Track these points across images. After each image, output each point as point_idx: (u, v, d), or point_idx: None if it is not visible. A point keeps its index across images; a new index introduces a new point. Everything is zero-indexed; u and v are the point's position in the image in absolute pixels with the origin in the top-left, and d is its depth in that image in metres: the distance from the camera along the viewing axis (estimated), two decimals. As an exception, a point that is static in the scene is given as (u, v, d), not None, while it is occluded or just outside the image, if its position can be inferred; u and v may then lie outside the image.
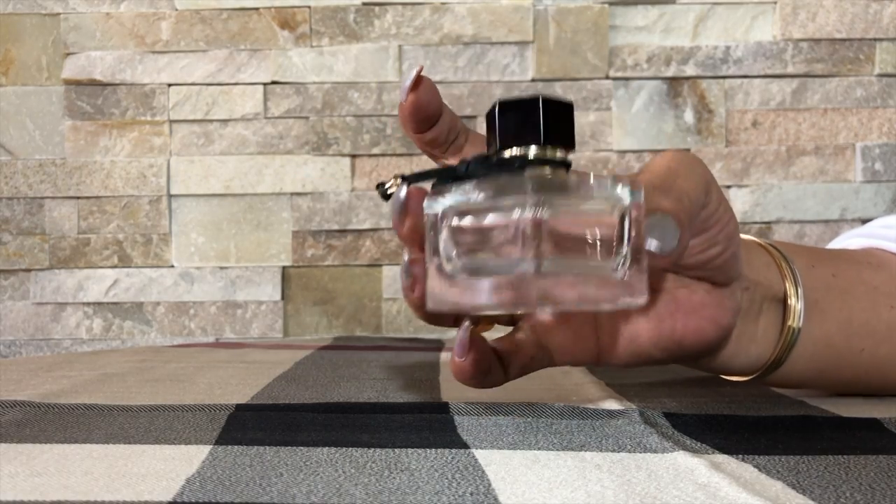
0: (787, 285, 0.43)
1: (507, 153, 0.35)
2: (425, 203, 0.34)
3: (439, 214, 0.33)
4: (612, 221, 0.33)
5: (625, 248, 0.33)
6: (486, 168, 0.35)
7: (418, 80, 0.40)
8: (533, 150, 0.34)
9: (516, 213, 0.31)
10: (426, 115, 0.41)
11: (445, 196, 0.34)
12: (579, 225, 0.32)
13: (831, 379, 0.47)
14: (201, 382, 0.55)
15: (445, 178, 0.35)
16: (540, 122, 0.34)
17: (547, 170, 0.34)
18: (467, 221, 0.33)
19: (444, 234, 0.33)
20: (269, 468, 0.31)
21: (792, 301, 0.43)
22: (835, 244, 0.56)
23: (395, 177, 0.37)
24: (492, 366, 0.39)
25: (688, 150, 0.36)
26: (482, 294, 0.32)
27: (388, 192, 0.37)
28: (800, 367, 0.44)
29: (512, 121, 0.35)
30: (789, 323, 0.43)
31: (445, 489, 0.29)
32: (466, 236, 0.33)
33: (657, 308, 0.40)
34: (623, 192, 0.33)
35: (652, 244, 0.34)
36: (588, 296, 0.32)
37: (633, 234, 0.33)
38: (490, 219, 0.32)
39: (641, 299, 0.33)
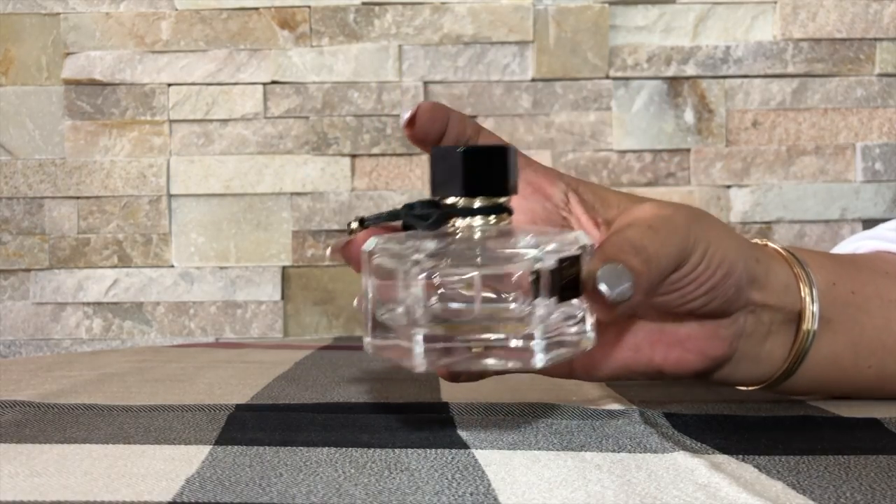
0: (804, 309, 0.42)
1: (441, 202, 0.35)
2: (365, 244, 0.35)
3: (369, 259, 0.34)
4: (517, 281, 0.32)
5: (534, 308, 0.32)
6: (412, 218, 0.35)
7: (412, 119, 0.41)
8: (460, 202, 0.34)
9: (409, 278, 0.31)
10: (428, 140, 0.42)
11: (378, 243, 0.34)
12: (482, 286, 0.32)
13: (833, 391, 0.46)
14: (201, 382, 0.55)
15: (392, 220, 0.36)
16: (461, 174, 0.33)
17: (496, 218, 0.34)
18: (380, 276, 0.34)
19: (369, 282, 0.34)
20: (268, 468, 0.31)
21: (806, 325, 0.42)
22: (844, 247, 0.55)
23: (356, 219, 0.38)
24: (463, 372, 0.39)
25: (687, 205, 0.36)
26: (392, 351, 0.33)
27: (350, 232, 0.38)
28: (802, 382, 0.44)
29: (439, 169, 0.35)
30: (799, 345, 0.42)
31: (445, 489, 0.29)
32: (381, 289, 0.34)
33: (636, 336, 0.40)
34: (545, 251, 0.32)
35: (602, 287, 0.33)
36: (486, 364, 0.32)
37: (549, 289, 0.32)
38: (391, 276, 0.33)
39: (536, 363, 0.32)
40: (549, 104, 1.14)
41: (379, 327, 0.34)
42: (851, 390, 0.46)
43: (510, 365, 0.32)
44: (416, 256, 0.31)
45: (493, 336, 0.32)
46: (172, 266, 1.14)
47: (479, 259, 0.32)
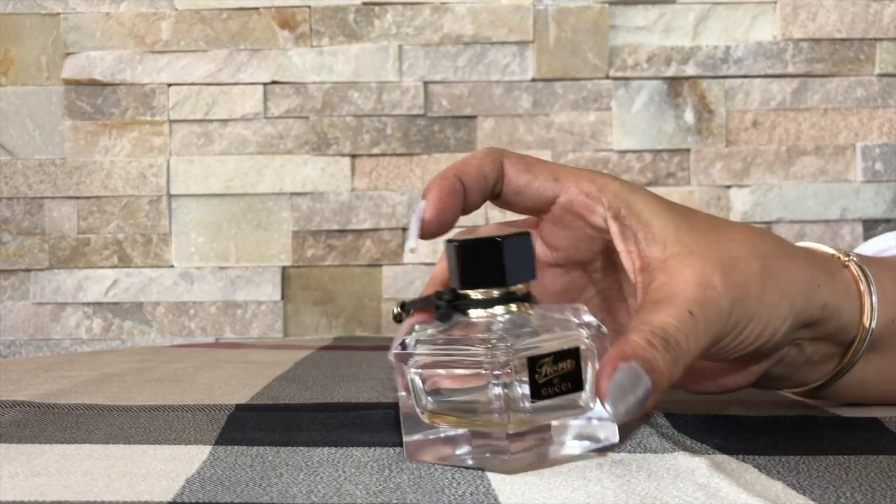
0: (854, 347, 0.40)
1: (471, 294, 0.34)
2: (408, 339, 0.34)
3: (408, 351, 0.34)
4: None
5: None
6: (445, 311, 0.34)
7: (424, 230, 0.37)
8: (494, 293, 0.34)
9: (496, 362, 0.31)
10: (445, 231, 0.38)
11: (414, 333, 0.34)
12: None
13: (845, 400, 0.46)
14: (201, 382, 0.55)
15: (429, 305, 0.35)
16: (502, 263, 0.33)
17: (504, 308, 0.34)
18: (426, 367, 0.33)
19: (411, 373, 0.34)
20: (269, 468, 0.31)
21: (848, 359, 0.41)
22: (870, 246, 0.54)
23: (397, 303, 0.36)
24: None
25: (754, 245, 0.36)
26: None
27: (398, 319, 0.36)
28: (834, 394, 0.44)
29: (465, 262, 0.34)
30: (834, 376, 0.42)
31: (445, 488, 0.29)
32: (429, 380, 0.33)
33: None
34: (580, 334, 0.32)
35: (608, 407, 0.31)
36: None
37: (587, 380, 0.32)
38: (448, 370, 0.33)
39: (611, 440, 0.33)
40: (549, 104, 1.14)
41: (421, 423, 0.33)
42: (863, 402, 0.46)
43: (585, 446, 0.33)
44: (492, 340, 0.31)
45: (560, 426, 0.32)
46: (172, 266, 1.15)
47: (545, 342, 0.32)
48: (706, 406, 0.45)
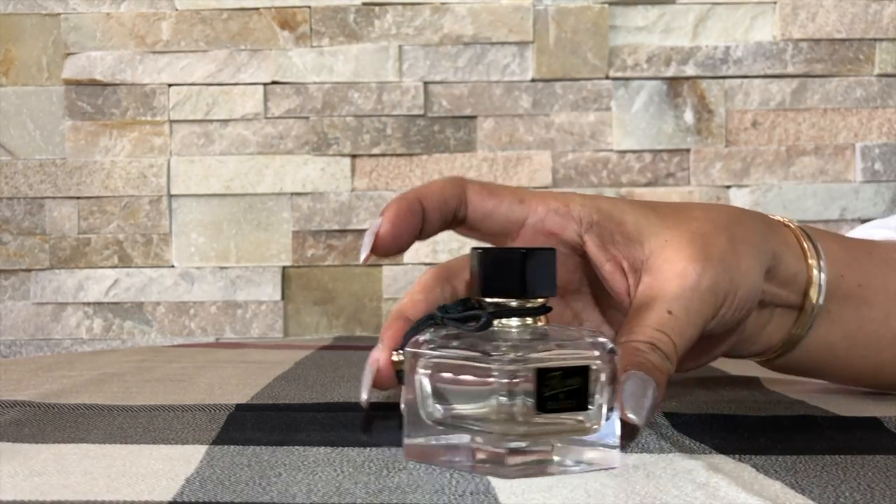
0: (807, 302, 0.41)
1: (482, 302, 0.34)
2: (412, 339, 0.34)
3: (415, 358, 0.34)
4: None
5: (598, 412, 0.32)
6: (452, 321, 0.34)
7: (375, 248, 0.38)
8: (511, 302, 0.34)
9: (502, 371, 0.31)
10: (400, 250, 0.39)
11: (424, 340, 0.34)
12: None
13: (825, 376, 0.47)
14: (201, 382, 0.55)
15: (430, 326, 0.35)
16: (522, 275, 0.33)
17: (520, 321, 0.33)
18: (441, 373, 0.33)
19: (419, 379, 0.33)
20: (266, 468, 0.31)
21: (805, 317, 0.42)
22: (859, 233, 0.55)
23: (394, 351, 0.36)
24: None
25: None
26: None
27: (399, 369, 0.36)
28: (794, 363, 0.44)
29: (491, 271, 0.34)
30: (794, 333, 0.42)
31: (445, 488, 0.29)
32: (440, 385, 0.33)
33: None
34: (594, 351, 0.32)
35: (632, 417, 0.32)
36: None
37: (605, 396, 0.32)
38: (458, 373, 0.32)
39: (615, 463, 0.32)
40: (549, 104, 1.14)
41: (424, 426, 0.33)
42: (844, 377, 0.47)
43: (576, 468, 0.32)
44: (502, 348, 0.31)
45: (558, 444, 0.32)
46: (173, 266, 1.15)
47: (556, 357, 0.32)
48: (705, 406, 0.45)
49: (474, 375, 0.32)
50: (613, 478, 0.31)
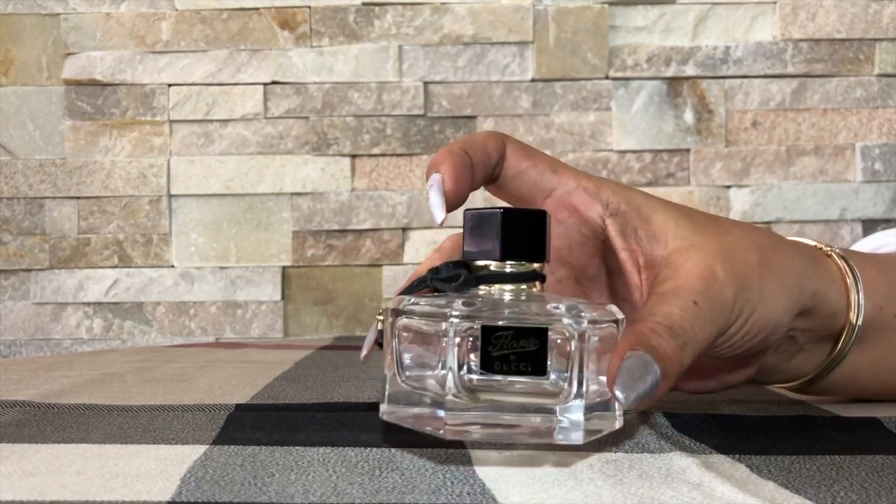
0: (843, 336, 0.40)
1: (472, 265, 0.33)
2: (391, 301, 0.33)
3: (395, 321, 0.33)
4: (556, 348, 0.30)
5: (569, 382, 0.30)
6: (440, 282, 0.33)
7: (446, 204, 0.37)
8: (491, 265, 0.33)
9: (445, 341, 0.29)
10: (461, 204, 0.38)
11: (406, 303, 0.32)
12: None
13: (842, 396, 0.46)
14: (201, 382, 0.55)
15: (421, 288, 0.34)
16: (498, 236, 0.32)
17: (495, 288, 0.32)
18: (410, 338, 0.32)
19: (395, 344, 0.33)
20: (265, 468, 0.31)
21: (839, 349, 0.41)
22: (864, 244, 0.54)
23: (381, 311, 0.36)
24: None
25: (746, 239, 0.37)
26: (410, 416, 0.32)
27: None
28: (816, 389, 0.44)
29: (475, 232, 0.33)
30: (826, 366, 0.42)
31: (441, 488, 0.29)
32: (410, 352, 0.32)
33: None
34: (578, 323, 0.30)
35: (618, 394, 0.30)
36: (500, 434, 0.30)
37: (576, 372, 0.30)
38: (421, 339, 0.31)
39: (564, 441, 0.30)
40: (549, 104, 1.14)
41: (398, 393, 0.32)
42: (861, 396, 0.46)
43: (535, 440, 0.30)
44: (451, 319, 0.29)
45: (515, 419, 0.30)
46: (173, 266, 1.15)
47: (511, 316, 0.30)
48: (705, 406, 0.45)
49: (431, 339, 0.31)
50: (610, 478, 0.31)
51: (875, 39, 1.14)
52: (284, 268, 1.15)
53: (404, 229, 1.14)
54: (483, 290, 0.33)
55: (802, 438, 0.37)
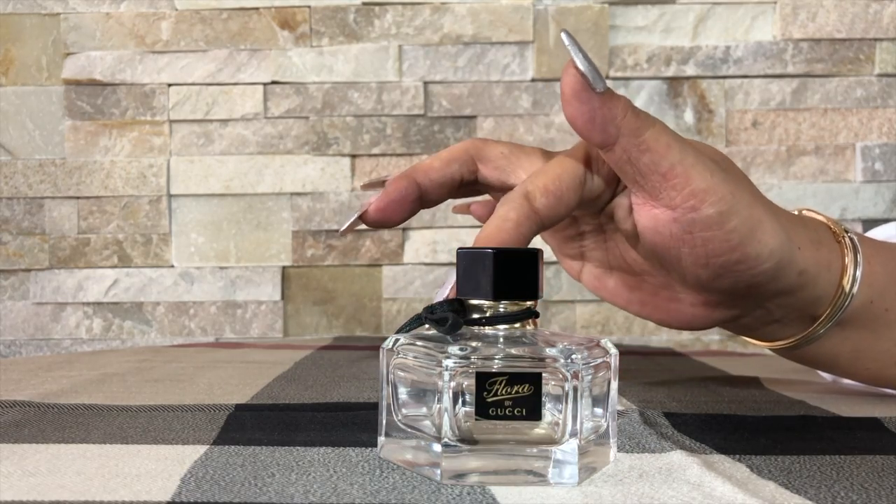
0: (822, 320, 0.40)
1: (466, 303, 0.33)
2: (386, 342, 0.34)
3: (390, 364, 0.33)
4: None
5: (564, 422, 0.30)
6: (433, 322, 0.33)
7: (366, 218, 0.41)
8: (484, 305, 0.33)
9: (439, 386, 0.30)
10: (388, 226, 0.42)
11: (401, 343, 0.33)
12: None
13: (823, 369, 0.46)
14: (201, 382, 0.55)
15: (418, 326, 0.35)
16: (491, 276, 0.32)
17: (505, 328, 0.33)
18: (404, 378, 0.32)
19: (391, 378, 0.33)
20: (265, 468, 0.31)
21: (817, 330, 0.41)
22: (878, 233, 0.54)
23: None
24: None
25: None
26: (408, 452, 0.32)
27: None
28: (806, 359, 0.44)
29: (468, 272, 0.33)
30: (800, 341, 0.42)
31: (442, 488, 0.29)
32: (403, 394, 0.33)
33: (631, 298, 0.42)
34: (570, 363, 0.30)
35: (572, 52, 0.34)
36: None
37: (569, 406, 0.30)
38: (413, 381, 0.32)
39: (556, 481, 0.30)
40: (549, 104, 1.14)
41: (394, 432, 0.33)
42: (842, 376, 0.46)
43: (532, 480, 0.30)
44: (445, 363, 0.30)
45: (511, 462, 0.30)
46: (172, 266, 1.15)
47: (503, 361, 0.30)
48: (705, 406, 0.45)
49: (425, 379, 0.31)
50: (609, 478, 0.31)
51: (875, 39, 1.14)
52: (284, 268, 1.15)
53: (404, 229, 1.14)
54: (477, 330, 0.33)
55: (802, 438, 0.37)
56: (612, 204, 0.39)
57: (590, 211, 0.40)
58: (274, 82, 1.14)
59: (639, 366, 0.67)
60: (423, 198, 0.41)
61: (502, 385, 0.30)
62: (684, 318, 0.41)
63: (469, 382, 0.30)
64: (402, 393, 0.32)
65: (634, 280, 0.42)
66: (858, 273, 0.40)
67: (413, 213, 0.41)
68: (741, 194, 0.36)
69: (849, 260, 0.40)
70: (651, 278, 0.42)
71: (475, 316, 0.33)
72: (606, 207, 0.40)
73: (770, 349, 0.44)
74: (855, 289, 0.40)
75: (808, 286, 0.39)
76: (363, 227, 0.42)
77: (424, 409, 0.31)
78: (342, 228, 0.41)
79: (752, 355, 0.78)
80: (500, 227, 0.35)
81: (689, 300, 0.41)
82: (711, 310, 0.40)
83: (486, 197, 0.45)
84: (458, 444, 0.30)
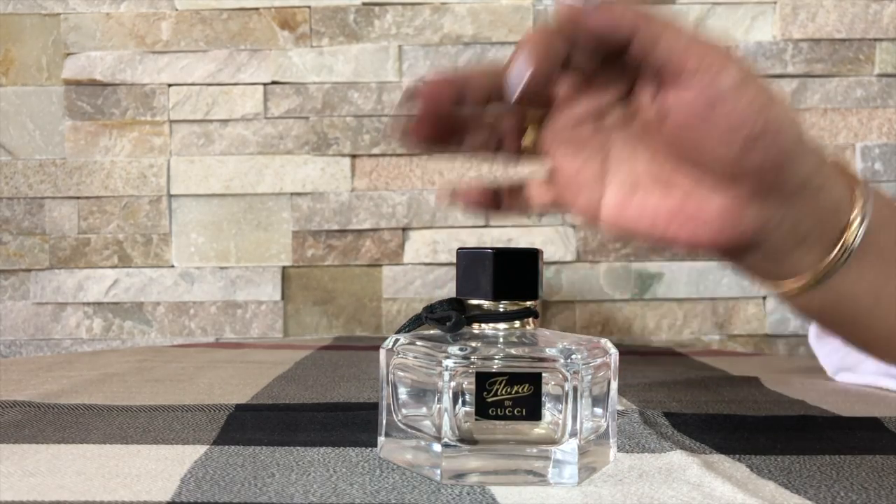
0: (843, 241, 0.40)
1: (465, 302, 0.33)
2: (386, 342, 0.34)
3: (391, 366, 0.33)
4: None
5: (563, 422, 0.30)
6: (433, 321, 0.33)
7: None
8: (484, 304, 0.33)
9: (439, 386, 0.30)
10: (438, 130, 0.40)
11: (401, 343, 0.33)
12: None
13: (847, 329, 0.45)
14: (201, 382, 0.55)
15: (418, 326, 0.35)
16: (490, 276, 0.32)
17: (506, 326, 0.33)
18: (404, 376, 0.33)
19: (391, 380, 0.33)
20: (260, 468, 0.31)
21: (839, 250, 0.40)
22: None
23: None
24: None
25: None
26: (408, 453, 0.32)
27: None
28: (814, 305, 0.43)
29: (468, 272, 0.33)
30: (826, 266, 0.41)
31: (442, 488, 0.29)
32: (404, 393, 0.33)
33: (658, 213, 0.40)
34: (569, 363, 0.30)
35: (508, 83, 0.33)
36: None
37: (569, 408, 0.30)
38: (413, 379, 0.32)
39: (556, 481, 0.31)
40: (549, 104, 1.14)
41: (394, 432, 0.33)
42: (865, 338, 0.45)
43: (532, 480, 0.31)
44: (445, 363, 0.30)
45: (511, 462, 0.30)
46: (172, 266, 1.15)
47: (503, 361, 0.30)
48: (705, 406, 0.45)
49: (425, 379, 0.31)
50: (609, 478, 0.31)
51: (875, 39, 1.14)
52: (284, 268, 1.15)
53: (404, 229, 1.14)
54: (477, 329, 0.33)
55: (802, 438, 0.37)
56: (634, 96, 0.40)
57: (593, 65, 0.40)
58: (274, 82, 1.14)
59: (639, 366, 0.67)
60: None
61: (502, 385, 0.30)
62: (714, 226, 0.41)
63: (469, 382, 0.30)
64: (402, 393, 0.32)
65: (661, 190, 0.42)
66: (868, 193, 0.41)
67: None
68: (754, 74, 0.38)
69: (854, 180, 0.41)
70: (679, 178, 0.41)
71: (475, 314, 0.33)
72: (630, 105, 0.41)
73: (789, 298, 0.43)
74: (869, 205, 0.40)
75: (825, 187, 0.40)
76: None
77: (424, 409, 0.31)
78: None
79: (753, 355, 0.78)
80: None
81: (718, 201, 0.40)
82: (742, 209, 0.40)
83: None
84: (458, 444, 0.30)
